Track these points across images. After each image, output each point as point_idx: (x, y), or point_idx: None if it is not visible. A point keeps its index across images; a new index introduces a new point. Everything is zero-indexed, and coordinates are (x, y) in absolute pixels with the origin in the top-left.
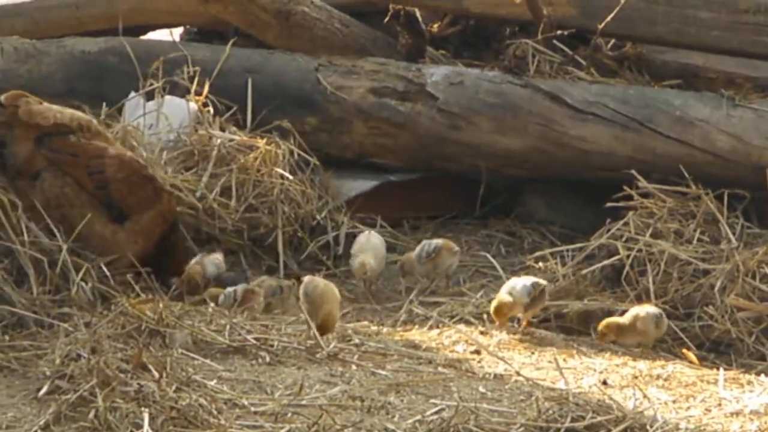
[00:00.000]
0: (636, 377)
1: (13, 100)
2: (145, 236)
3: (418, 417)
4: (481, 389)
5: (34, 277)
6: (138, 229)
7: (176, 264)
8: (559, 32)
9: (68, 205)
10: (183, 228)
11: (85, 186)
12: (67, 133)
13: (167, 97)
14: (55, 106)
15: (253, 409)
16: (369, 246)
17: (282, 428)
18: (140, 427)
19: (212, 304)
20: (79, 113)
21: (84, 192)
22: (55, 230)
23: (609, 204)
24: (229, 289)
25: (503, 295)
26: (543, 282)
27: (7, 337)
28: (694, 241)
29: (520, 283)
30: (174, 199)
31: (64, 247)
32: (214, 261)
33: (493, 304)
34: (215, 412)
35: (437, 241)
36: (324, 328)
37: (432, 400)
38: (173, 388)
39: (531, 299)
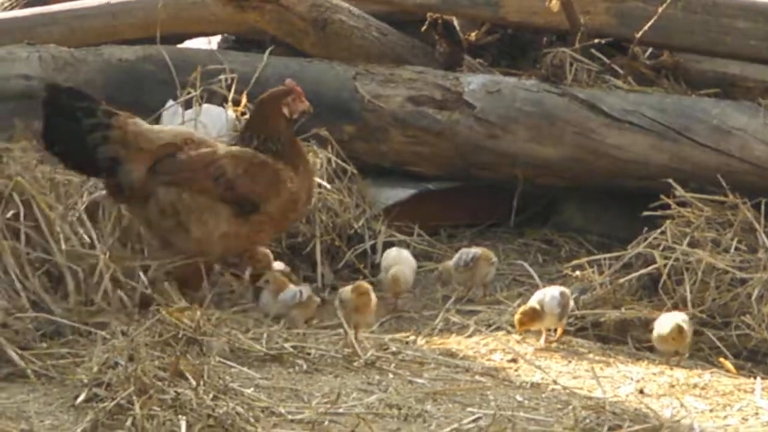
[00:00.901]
0: (673, 386)
1: (123, 120)
2: (274, 223)
3: (455, 425)
4: (518, 398)
5: (73, 285)
6: (264, 219)
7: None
8: (596, 41)
9: (185, 211)
10: None
11: (212, 194)
12: (174, 152)
13: (205, 106)
14: (156, 126)
15: (290, 417)
16: (401, 259)
17: None
18: None
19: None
20: (179, 128)
21: (203, 196)
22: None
23: (646, 213)
24: (295, 288)
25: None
26: (567, 290)
27: (44, 345)
28: (732, 250)
29: (549, 295)
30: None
31: (102, 256)
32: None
33: (517, 315)
34: (252, 420)
35: (475, 250)
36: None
37: (469, 409)
38: (210, 395)
39: (561, 308)
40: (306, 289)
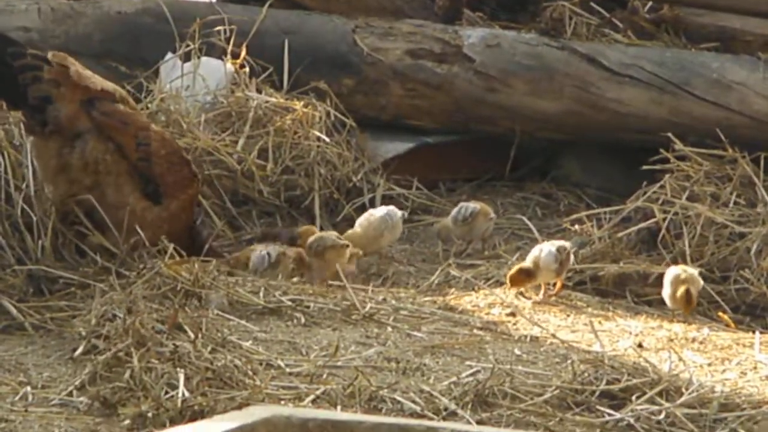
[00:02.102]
0: (671, 340)
1: (62, 59)
2: (172, 222)
3: (454, 379)
4: (517, 351)
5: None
6: (166, 215)
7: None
8: None
9: (105, 172)
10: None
11: (130, 155)
12: (114, 101)
13: (204, 59)
14: (97, 76)
15: (288, 370)
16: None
17: (317, 389)
18: (175, 387)
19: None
20: (116, 86)
21: (124, 161)
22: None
23: (645, 167)
24: (263, 252)
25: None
26: (567, 244)
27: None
28: (731, 204)
29: (545, 250)
30: (199, 185)
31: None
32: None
33: (510, 273)
34: (250, 373)
35: (474, 205)
36: None
37: (467, 362)
38: (209, 348)
39: (559, 264)
40: (273, 249)
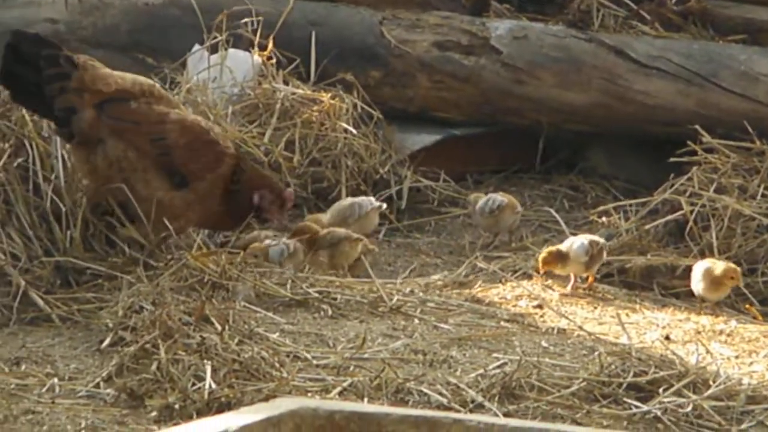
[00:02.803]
0: (699, 332)
1: (83, 63)
2: (203, 202)
3: (480, 371)
4: (544, 344)
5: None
6: (194, 198)
7: (244, 200)
8: None
9: (130, 169)
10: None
11: (147, 153)
12: (128, 99)
13: (231, 50)
14: (117, 72)
15: (315, 362)
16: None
17: (344, 381)
18: (202, 379)
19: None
20: (142, 78)
21: (146, 157)
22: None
23: (672, 159)
24: (282, 244)
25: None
26: (601, 240)
27: (71, 289)
28: (758, 197)
29: (578, 242)
30: (232, 159)
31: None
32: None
33: (542, 254)
34: (277, 365)
35: (501, 199)
36: None
37: (494, 354)
38: (236, 340)
39: (590, 257)
40: (292, 241)
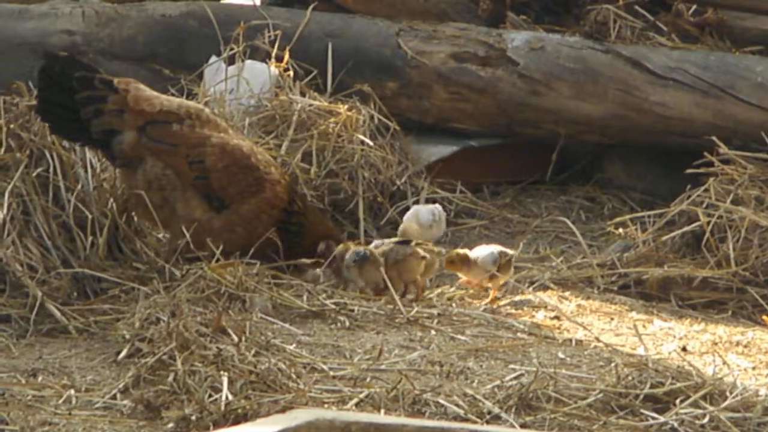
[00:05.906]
0: (716, 344)
1: (125, 84)
2: (247, 225)
3: (497, 382)
4: (561, 355)
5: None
6: (236, 219)
7: (306, 245)
8: None
9: (170, 188)
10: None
11: (185, 176)
12: (172, 121)
13: (248, 62)
14: (164, 95)
15: (332, 373)
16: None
17: (361, 393)
18: (219, 390)
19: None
20: (189, 102)
21: (185, 178)
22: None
23: (689, 170)
24: (359, 249)
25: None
26: (511, 252)
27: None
28: None
29: (487, 250)
30: (281, 186)
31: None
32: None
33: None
34: (294, 377)
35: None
36: None
37: (511, 366)
38: (252, 352)
39: (498, 267)
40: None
